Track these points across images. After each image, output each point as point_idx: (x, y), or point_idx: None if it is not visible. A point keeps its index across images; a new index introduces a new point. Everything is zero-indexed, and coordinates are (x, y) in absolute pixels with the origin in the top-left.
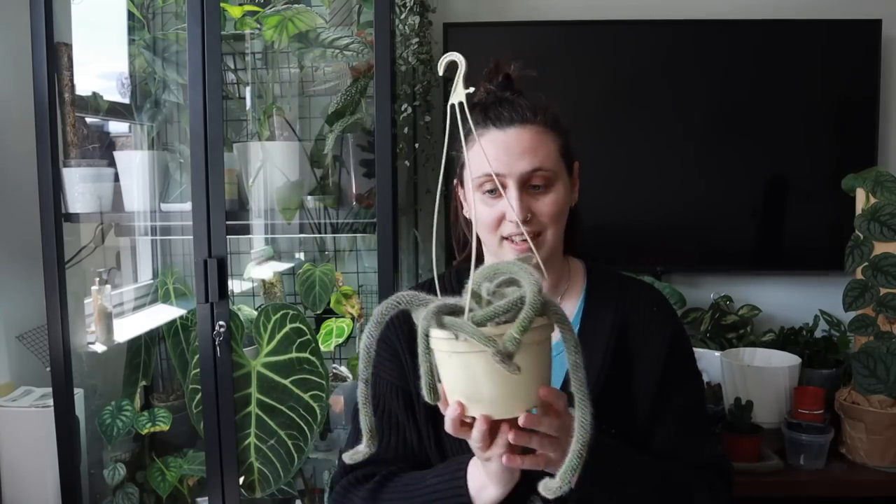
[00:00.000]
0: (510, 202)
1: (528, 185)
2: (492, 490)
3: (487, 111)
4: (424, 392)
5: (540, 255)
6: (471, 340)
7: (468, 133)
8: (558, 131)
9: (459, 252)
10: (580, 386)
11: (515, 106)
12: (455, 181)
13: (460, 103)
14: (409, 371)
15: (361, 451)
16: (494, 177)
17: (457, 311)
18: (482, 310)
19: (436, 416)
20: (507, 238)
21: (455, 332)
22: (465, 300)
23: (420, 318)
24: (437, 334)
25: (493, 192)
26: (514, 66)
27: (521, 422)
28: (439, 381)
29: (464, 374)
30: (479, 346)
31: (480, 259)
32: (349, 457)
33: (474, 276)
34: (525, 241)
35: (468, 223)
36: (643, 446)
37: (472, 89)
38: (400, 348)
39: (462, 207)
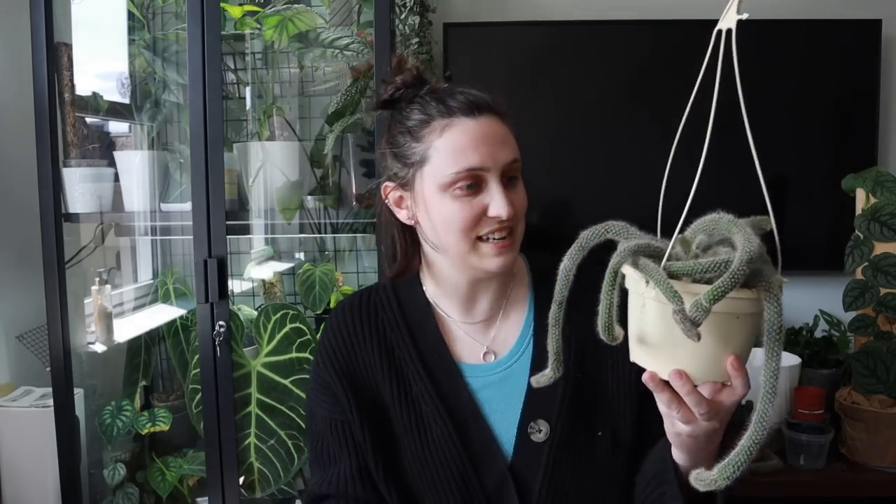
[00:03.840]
0: (496, 197)
1: (505, 178)
2: None
3: (441, 99)
4: (600, 329)
5: (515, 252)
6: (657, 290)
7: (424, 123)
8: (511, 119)
9: (391, 264)
10: (770, 376)
11: (470, 94)
12: (385, 183)
13: (728, 30)
14: (345, 402)
15: (547, 374)
16: (472, 171)
17: (657, 255)
18: (681, 262)
19: (383, 442)
20: (482, 238)
21: (645, 277)
22: (669, 246)
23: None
24: (631, 274)
25: (472, 187)
26: (414, 60)
27: (670, 376)
28: (618, 322)
29: (651, 321)
30: (664, 299)
31: (408, 272)
32: (535, 381)
33: (694, 224)
34: (504, 238)
35: (410, 230)
36: (638, 440)
37: (746, 15)
38: (332, 381)
39: (395, 213)
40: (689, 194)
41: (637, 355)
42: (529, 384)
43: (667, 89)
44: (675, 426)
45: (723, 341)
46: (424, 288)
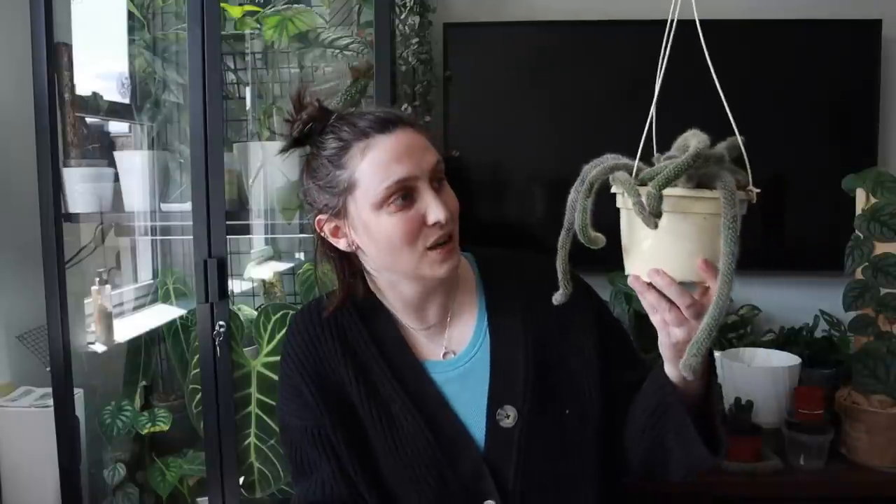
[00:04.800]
0: (431, 203)
1: (434, 182)
2: None
3: (353, 123)
4: (577, 231)
5: (458, 255)
6: (625, 192)
7: (343, 150)
8: (425, 128)
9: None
10: (728, 259)
11: (378, 111)
12: (317, 217)
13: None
14: (315, 406)
15: (560, 293)
16: (402, 181)
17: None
18: (647, 169)
19: (357, 443)
20: (430, 248)
21: (622, 189)
22: (637, 159)
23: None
24: (615, 189)
25: (406, 197)
26: (310, 94)
27: (646, 276)
28: (593, 227)
29: (629, 227)
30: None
31: (353, 296)
32: (555, 298)
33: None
34: (447, 243)
35: (347, 258)
36: (608, 417)
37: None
38: (301, 385)
39: (334, 243)
40: None
41: (627, 265)
42: (492, 374)
43: (667, 89)
44: (670, 335)
45: (692, 242)
46: (379, 298)
